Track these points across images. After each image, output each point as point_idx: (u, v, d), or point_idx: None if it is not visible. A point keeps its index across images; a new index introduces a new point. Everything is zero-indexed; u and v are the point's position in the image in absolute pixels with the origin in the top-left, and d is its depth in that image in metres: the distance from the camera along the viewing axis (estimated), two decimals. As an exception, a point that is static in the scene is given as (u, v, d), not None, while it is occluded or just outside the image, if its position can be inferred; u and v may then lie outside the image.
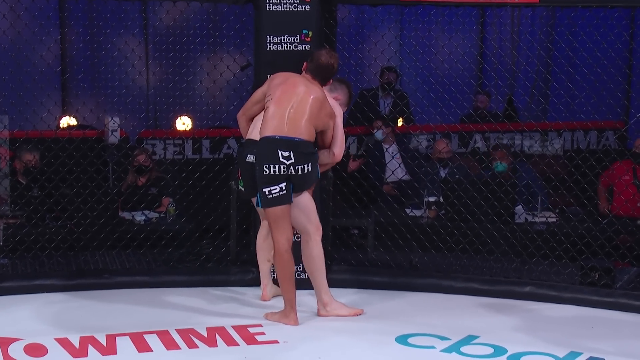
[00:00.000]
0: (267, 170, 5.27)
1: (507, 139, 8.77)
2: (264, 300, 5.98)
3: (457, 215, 6.76)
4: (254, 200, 5.61)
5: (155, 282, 6.35)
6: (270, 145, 5.29)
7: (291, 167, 5.27)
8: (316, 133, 5.43)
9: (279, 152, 5.26)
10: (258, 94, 5.65)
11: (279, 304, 5.67)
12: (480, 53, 9.39)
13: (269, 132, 5.33)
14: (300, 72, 5.58)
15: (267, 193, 5.30)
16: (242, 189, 5.75)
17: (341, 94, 5.75)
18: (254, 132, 5.63)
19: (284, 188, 5.30)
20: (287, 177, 5.31)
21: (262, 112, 5.52)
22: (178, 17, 7.83)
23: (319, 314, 5.62)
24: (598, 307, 5.92)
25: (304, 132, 5.32)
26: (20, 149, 7.25)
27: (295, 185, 5.37)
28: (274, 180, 5.28)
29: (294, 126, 5.31)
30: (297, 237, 5.70)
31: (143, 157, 7.77)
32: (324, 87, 5.55)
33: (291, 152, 5.27)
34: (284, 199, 5.32)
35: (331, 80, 5.63)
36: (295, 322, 5.42)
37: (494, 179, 7.04)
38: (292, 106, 5.35)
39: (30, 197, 6.91)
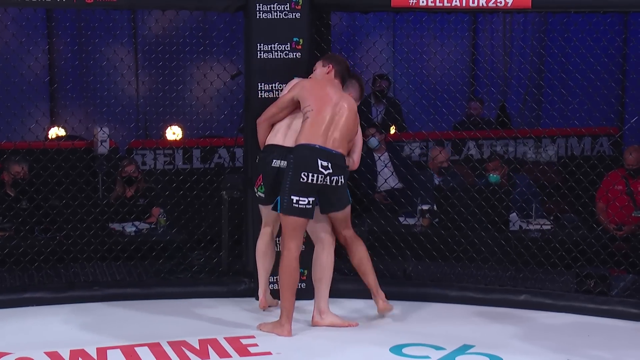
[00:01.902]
0: (304, 177, 5.26)
1: (501, 146, 8.75)
2: (263, 309, 5.92)
3: (451, 224, 6.72)
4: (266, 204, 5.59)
5: (146, 294, 6.30)
6: (310, 153, 5.30)
7: (328, 178, 5.29)
8: None
9: (319, 161, 5.27)
10: (285, 100, 5.64)
11: (269, 316, 5.63)
12: (473, 59, 9.39)
13: (308, 140, 5.34)
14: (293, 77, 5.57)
15: (294, 201, 5.27)
16: (262, 195, 5.68)
17: (353, 90, 5.72)
18: (277, 138, 5.62)
19: (311, 202, 5.31)
20: (318, 190, 5.31)
21: (284, 119, 5.62)
22: (167, 25, 7.79)
23: (313, 322, 5.58)
24: (594, 315, 5.90)
25: (340, 145, 5.40)
26: (8, 161, 7.18)
27: (327, 198, 5.38)
28: (307, 191, 5.28)
29: (333, 139, 5.37)
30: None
31: (132, 168, 7.72)
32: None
33: (329, 163, 5.30)
34: (307, 213, 5.33)
35: None
36: (289, 334, 5.37)
37: (487, 187, 7.01)
38: (333, 119, 5.40)
39: (19, 209, 6.85)
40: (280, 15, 6.08)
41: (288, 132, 5.61)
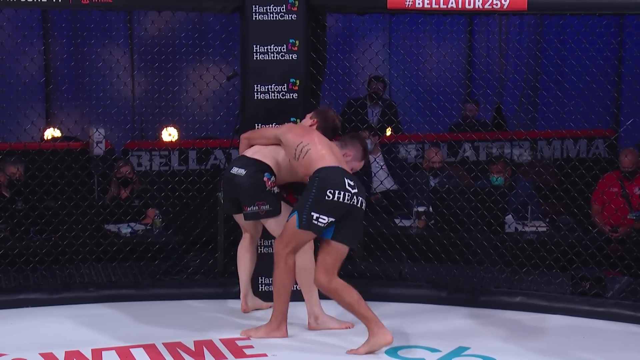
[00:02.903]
0: (330, 195, 5.07)
1: (497, 148, 8.75)
2: (245, 312, 5.91)
3: (447, 225, 6.72)
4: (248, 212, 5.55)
5: (141, 295, 6.29)
6: (337, 173, 5.16)
7: (354, 197, 5.12)
8: None
9: (346, 180, 5.13)
10: (269, 132, 5.65)
11: (258, 315, 5.62)
12: (469, 61, 9.36)
13: (328, 163, 5.21)
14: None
15: (314, 217, 5.09)
16: (221, 200, 5.67)
17: (352, 149, 5.58)
18: (248, 150, 5.63)
19: (327, 223, 5.12)
20: (344, 213, 5.12)
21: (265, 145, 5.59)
22: (163, 26, 7.77)
23: (309, 327, 5.56)
24: (589, 317, 5.90)
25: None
26: (3, 162, 7.17)
27: (346, 223, 5.16)
28: (332, 211, 5.09)
29: (344, 164, 5.30)
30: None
31: (127, 169, 7.72)
32: (333, 142, 5.55)
33: (354, 183, 5.16)
34: (320, 231, 5.16)
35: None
36: (285, 334, 5.36)
37: (483, 189, 7.01)
38: (332, 148, 5.34)
39: (14, 210, 6.84)
40: (276, 17, 6.08)
41: (261, 150, 5.60)
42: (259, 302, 6.03)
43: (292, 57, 6.10)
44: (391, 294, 6.22)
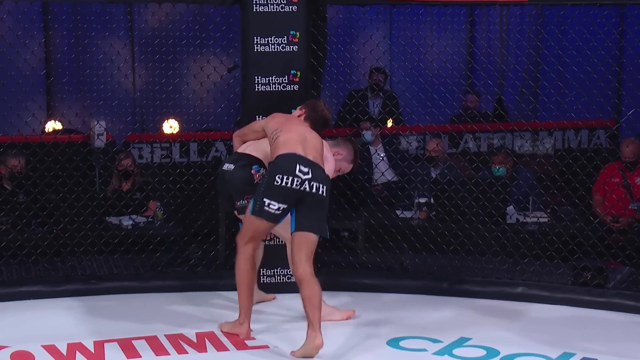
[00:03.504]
0: (278, 180, 5.01)
1: (498, 139, 8.74)
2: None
3: (448, 216, 6.72)
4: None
5: (143, 287, 6.30)
6: (289, 159, 5.08)
7: (306, 183, 5.03)
8: None
9: (298, 165, 5.04)
10: (257, 125, 5.60)
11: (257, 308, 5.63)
12: (470, 52, 9.37)
13: (287, 150, 5.14)
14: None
15: (265, 203, 5.07)
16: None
17: (344, 149, 5.59)
18: (242, 147, 5.62)
19: (281, 209, 5.07)
20: (295, 199, 5.06)
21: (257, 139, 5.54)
22: (164, 18, 7.78)
23: None
24: (591, 308, 5.90)
25: (319, 160, 5.19)
26: (5, 154, 7.17)
27: (306, 211, 5.08)
28: (279, 196, 5.03)
29: (311, 152, 5.16)
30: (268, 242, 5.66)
31: (129, 161, 7.72)
32: (327, 142, 5.53)
33: (310, 169, 5.06)
34: (275, 219, 5.11)
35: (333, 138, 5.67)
36: (248, 333, 5.25)
37: (485, 180, 7.01)
38: (305, 138, 5.23)
39: (16, 203, 6.84)
40: (276, 8, 6.07)
41: (252, 144, 5.59)
42: (262, 294, 6.02)
43: (292, 48, 6.10)
44: (393, 285, 6.22)
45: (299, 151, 5.12)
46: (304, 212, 5.08)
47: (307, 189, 5.03)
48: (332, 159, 5.53)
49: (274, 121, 5.39)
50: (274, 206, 5.05)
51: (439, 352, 5.02)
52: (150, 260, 6.57)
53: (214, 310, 5.86)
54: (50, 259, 6.46)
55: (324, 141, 5.49)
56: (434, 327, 5.44)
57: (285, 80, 6.11)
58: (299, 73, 6.12)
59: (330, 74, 6.80)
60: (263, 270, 6.16)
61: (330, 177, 5.41)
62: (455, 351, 5.03)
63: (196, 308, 5.91)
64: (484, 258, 6.51)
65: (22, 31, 6.57)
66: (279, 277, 6.21)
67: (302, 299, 5.01)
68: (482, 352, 5.01)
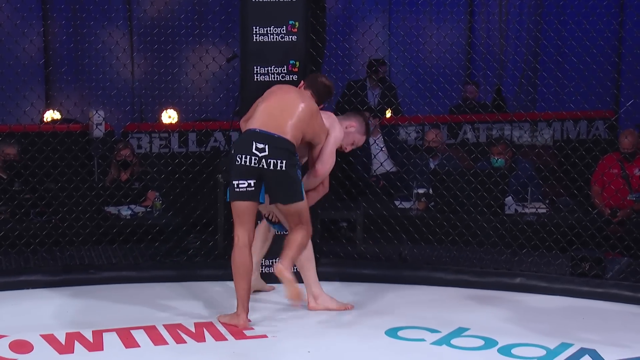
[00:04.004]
0: (238, 160, 5.16)
1: (497, 130, 8.74)
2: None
3: (447, 207, 6.72)
4: None
5: (141, 277, 6.30)
6: (247, 137, 5.22)
7: (263, 160, 5.12)
8: (309, 147, 5.38)
9: (254, 144, 5.15)
10: (256, 103, 5.57)
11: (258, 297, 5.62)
12: (469, 43, 9.35)
13: (250, 126, 5.28)
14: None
15: (235, 186, 5.18)
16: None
17: (356, 122, 5.61)
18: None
19: (252, 185, 5.16)
20: (258, 175, 5.16)
21: None
22: (163, 8, 7.77)
23: (309, 307, 5.57)
24: (589, 298, 5.90)
25: (287, 131, 5.20)
26: (1, 143, 7.15)
27: (271, 187, 5.19)
28: (244, 174, 5.16)
29: (277, 124, 5.20)
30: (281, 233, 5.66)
31: (127, 152, 7.71)
32: (338, 117, 5.56)
33: (266, 146, 5.14)
34: (248, 196, 5.17)
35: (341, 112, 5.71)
36: (245, 324, 5.25)
37: (483, 170, 7.01)
38: (281, 107, 5.28)
39: (14, 192, 6.83)
40: (276, -2, 6.06)
41: None
42: (262, 283, 6.03)
43: (291, 38, 6.08)
44: (391, 275, 6.23)
45: (264, 126, 5.21)
46: (270, 187, 5.21)
47: (265, 165, 5.14)
48: (339, 128, 5.52)
49: (266, 92, 5.47)
50: (243, 184, 5.16)
51: (437, 342, 5.02)
52: (149, 250, 6.57)
53: (212, 300, 5.86)
54: (49, 249, 6.46)
55: (328, 113, 5.54)
56: (432, 317, 5.45)
57: (284, 70, 6.10)
58: (298, 63, 6.11)
59: (329, 64, 6.79)
60: (262, 260, 6.15)
61: (347, 149, 5.57)
62: (454, 341, 5.04)
63: (195, 298, 5.91)
64: (483, 249, 6.51)
65: (21, 20, 6.55)
66: (277, 268, 6.20)
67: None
68: (480, 342, 5.01)
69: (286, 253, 5.24)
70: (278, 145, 5.15)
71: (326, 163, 5.43)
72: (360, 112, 5.86)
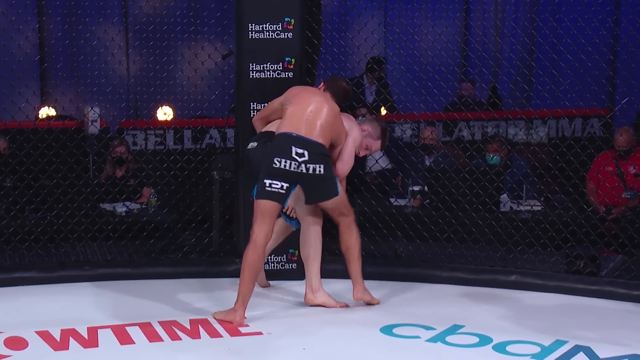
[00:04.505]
0: (277, 163, 5.21)
1: (492, 127, 8.74)
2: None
3: (442, 204, 6.72)
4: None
5: (137, 274, 6.30)
6: (285, 140, 5.26)
7: (302, 165, 5.22)
8: (330, 147, 5.44)
9: (293, 148, 5.22)
10: (275, 103, 5.64)
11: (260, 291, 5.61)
12: (464, 40, 9.36)
13: (285, 130, 5.31)
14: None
15: (266, 184, 5.23)
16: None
17: (369, 126, 5.66)
18: (266, 128, 5.66)
19: (284, 188, 5.24)
20: (294, 179, 5.26)
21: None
22: (158, 4, 7.77)
23: (305, 300, 5.59)
24: (583, 295, 5.92)
25: (320, 135, 5.31)
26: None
27: (309, 189, 5.34)
28: (280, 176, 5.23)
29: (311, 129, 5.30)
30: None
31: (122, 148, 7.71)
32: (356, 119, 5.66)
33: (306, 151, 5.23)
34: (278, 197, 5.26)
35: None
36: (242, 321, 5.24)
37: (478, 168, 7.01)
38: (311, 110, 5.35)
39: (9, 189, 6.82)
40: (271, -5, 6.05)
41: (275, 124, 5.61)
42: (262, 277, 6.03)
43: (287, 35, 6.08)
44: (386, 272, 6.23)
45: (298, 130, 5.27)
46: (307, 189, 5.34)
47: (304, 170, 5.23)
48: (358, 130, 5.60)
49: (290, 93, 5.52)
50: (277, 185, 5.23)
51: (432, 339, 5.02)
52: (144, 247, 6.57)
53: (207, 297, 5.86)
54: (44, 245, 6.46)
55: (347, 114, 5.62)
56: (427, 314, 5.45)
57: (279, 67, 6.10)
58: (293, 60, 6.11)
59: (325, 61, 6.78)
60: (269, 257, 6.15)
61: (360, 153, 5.65)
62: (448, 338, 5.04)
63: (190, 295, 5.90)
64: (478, 246, 6.52)
65: (16, 16, 6.54)
66: (272, 265, 6.21)
67: (343, 250, 5.59)
68: (475, 339, 5.02)
69: (355, 278, 5.59)
70: (316, 150, 5.27)
71: (346, 163, 5.54)
72: (377, 119, 5.95)
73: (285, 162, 5.20)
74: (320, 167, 5.26)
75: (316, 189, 5.34)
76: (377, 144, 5.71)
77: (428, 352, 4.85)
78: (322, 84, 5.66)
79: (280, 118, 5.50)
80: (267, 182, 5.23)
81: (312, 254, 5.54)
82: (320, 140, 5.30)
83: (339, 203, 5.43)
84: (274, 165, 5.21)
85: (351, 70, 8.12)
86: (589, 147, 6.54)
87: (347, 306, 5.62)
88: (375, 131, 5.67)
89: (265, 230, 5.27)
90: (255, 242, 5.25)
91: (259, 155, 5.49)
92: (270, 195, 5.24)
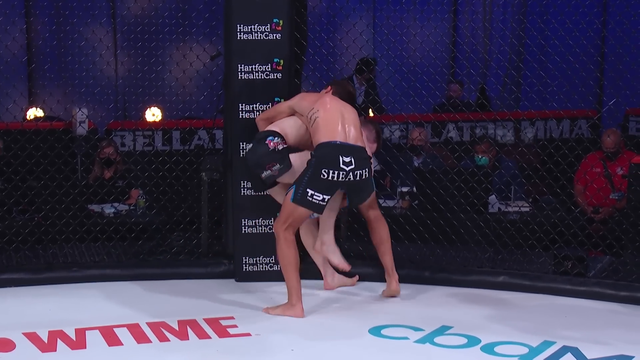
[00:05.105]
0: (325, 174, 5.23)
1: (480, 129, 8.76)
2: (328, 289, 6.00)
3: (430, 206, 6.73)
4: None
5: (125, 275, 6.28)
6: (331, 150, 5.29)
7: (350, 174, 5.28)
8: None
9: (340, 158, 5.26)
10: (283, 106, 5.70)
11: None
12: (453, 42, 9.38)
13: (327, 138, 5.33)
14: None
15: (308, 194, 5.25)
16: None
17: (366, 130, 5.72)
18: (267, 127, 5.67)
19: (326, 200, 5.30)
20: (339, 187, 5.32)
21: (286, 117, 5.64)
22: (146, 5, 7.75)
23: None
24: (571, 296, 5.92)
25: (359, 138, 5.40)
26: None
27: (355, 193, 5.42)
28: (326, 188, 5.27)
29: (349, 132, 5.37)
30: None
31: (110, 150, 7.69)
32: None
33: (352, 158, 5.28)
34: (318, 209, 5.33)
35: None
36: (302, 314, 5.36)
37: (467, 169, 7.02)
38: (342, 114, 5.41)
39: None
40: (260, -4, 6.05)
41: (274, 123, 5.65)
42: (342, 279, 6.07)
43: (276, 36, 6.08)
44: (374, 273, 6.23)
45: (340, 137, 5.33)
46: (352, 192, 5.44)
47: (352, 178, 5.30)
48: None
49: (307, 101, 5.55)
50: (318, 197, 5.27)
51: (421, 340, 5.03)
52: (132, 248, 6.55)
53: (196, 298, 5.85)
54: (32, 247, 6.43)
55: None
56: (415, 315, 5.45)
57: (268, 68, 6.09)
58: (282, 61, 6.10)
59: (313, 62, 6.79)
60: (245, 258, 6.16)
61: (373, 149, 5.78)
62: (437, 339, 5.04)
63: (178, 296, 5.89)
64: (466, 247, 6.53)
65: (3, 17, 6.51)
66: (261, 266, 6.21)
67: (376, 242, 5.78)
68: (464, 340, 5.02)
69: (392, 270, 5.84)
70: (361, 155, 5.35)
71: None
72: (370, 122, 6.03)
73: (333, 173, 5.24)
74: (365, 171, 5.34)
75: (360, 192, 5.45)
76: (373, 147, 5.80)
77: (416, 353, 4.85)
78: (329, 87, 5.70)
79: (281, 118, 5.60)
80: (310, 192, 5.26)
81: (331, 212, 5.58)
82: (360, 143, 5.39)
83: (373, 197, 5.61)
84: (322, 177, 5.24)
85: (340, 71, 8.12)
86: (577, 148, 6.56)
87: (350, 268, 5.72)
88: (371, 134, 5.76)
89: (293, 231, 5.38)
90: (287, 239, 5.34)
91: (254, 153, 5.55)
92: (310, 205, 5.29)
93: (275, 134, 5.56)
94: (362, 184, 5.38)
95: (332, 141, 5.31)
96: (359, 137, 5.43)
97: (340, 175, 5.26)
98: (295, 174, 5.45)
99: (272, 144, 5.52)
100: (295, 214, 5.34)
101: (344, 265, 5.66)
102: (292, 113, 5.65)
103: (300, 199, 5.28)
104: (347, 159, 5.27)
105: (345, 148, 5.31)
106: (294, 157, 5.54)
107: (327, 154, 5.28)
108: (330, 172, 5.24)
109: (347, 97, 5.68)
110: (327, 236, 5.64)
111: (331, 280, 6.02)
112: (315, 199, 5.26)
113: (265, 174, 5.53)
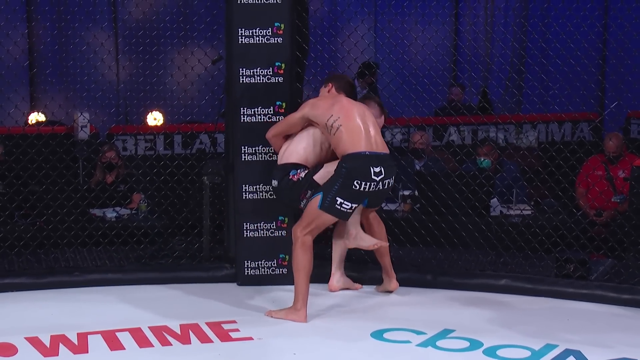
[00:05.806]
0: (357, 185, 5.25)
1: (482, 132, 8.76)
2: (332, 290, 6.01)
3: (432, 209, 6.73)
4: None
5: (127, 279, 6.28)
6: (362, 162, 5.28)
7: (380, 183, 5.32)
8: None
9: (372, 169, 5.28)
10: (294, 118, 5.60)
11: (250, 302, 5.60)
12: (454, 45, 9.38)
13: (356, 149, 5.31)
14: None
15: (337, 202, 5.26)
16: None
17: (370, 108, 5.67)
18: (280, 157, 5.64)
19: (353, 208, 5.33)
20: (367, 196, 5.34)
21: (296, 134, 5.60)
22: (148, 10, 7.76)
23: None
24: (573, 299, 5.92)
25: (384, 146, 5.42)
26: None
27: (377, 198, 5.47)
28: (356, 198, 5.30)
29: (375, 141, 5.37)
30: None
31: (112, 154, 7.69)
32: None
33: (382, 168, 5.31)
34: (344, 216, 5.37)
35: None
36: (305, 319, 5.35)
37: (468, 172, 7.02)
38: (366, 122, 5.40)
39: (-1, 195, 6.81)
40: (261, 0, 6.05)
41: (289, 147, 5.61)
42: (348, 282, 6.08)
43: (277, 40, 6.08)
44: (377, 277, 6.23)
45: (367, 147, 5.31)
46: (376, 199, 5.47)
47: (381, 187, 5.33)
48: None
49: (321, 109, 5.48)
50: (347, 206, 5.30)
51: (423, 344, 5.02)
52: (134, 252, 6.56)
53: (198, 302, 5.85)
54: (34, 251, 6.43)
55: None
56: (417, 318, 5.45)
57: (269, 72, 6.10)
58: (283, 65, 6.10)
59: (314, 66, 6.79)
60: (247, 262, 6.15)
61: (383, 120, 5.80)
62: (439, 343, 5.04)
63: (180, 300, 5.90)
64: (468, 250, 6.52)
65: (5, 22, 6.52)
66: (263, 269, 6.20)
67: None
68: (466, 344, 5.02)
69: (391, 270, 5.99)
70: (389, 163, 5.39)
71: None
72: (368, 96, 6.01)
73: (365, 184, 5.26)
74: (392, 179, 5.39)
75: (382, 196, 5.53)
76: (381, 121, 5.79)
77: (419, 357, 4.85)
78: (330, 85, 5.67)
79: (297, 132, 5.56)
80: (339, 200, 5.26)
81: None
82: (386, 150, 5.41)
83: None
84: (354, 188, 5.25)
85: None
86: (579, 151, 6.56)
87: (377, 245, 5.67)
88: (375, 110, 5.73)
89: (312, 237, 5.38)
90: (305, 243, 5.34)
91: (282, 193, 5.58)
92: (337, 213, 5.32)
93: (295, 166, 5.55)
94: (387, 190, 5.44)
95: (361, 152, 5.30)
96: (383, 141, 5.44)
97: (371, 186, 5.28)
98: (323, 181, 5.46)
99: (296, 177, 5.52)
100: (319, 220, 5.34)
101: (375, 242, 5.63)
102: (305, 123, 5.58)
103: (329, 207, 5.28)
104: (377, 169, 5.28)
105: (374, 158, 5.30)
106: (318, 175, 5.53)
107: (358, 166, 5.27)
108: (363, 183, 5.26)
109: (350, 89, 5.69)
110: (355, 230, 5.61)
111: (337, 281, 6.02)
112: (344, 207, 5.28)
113: (302, 203, 5.53)
